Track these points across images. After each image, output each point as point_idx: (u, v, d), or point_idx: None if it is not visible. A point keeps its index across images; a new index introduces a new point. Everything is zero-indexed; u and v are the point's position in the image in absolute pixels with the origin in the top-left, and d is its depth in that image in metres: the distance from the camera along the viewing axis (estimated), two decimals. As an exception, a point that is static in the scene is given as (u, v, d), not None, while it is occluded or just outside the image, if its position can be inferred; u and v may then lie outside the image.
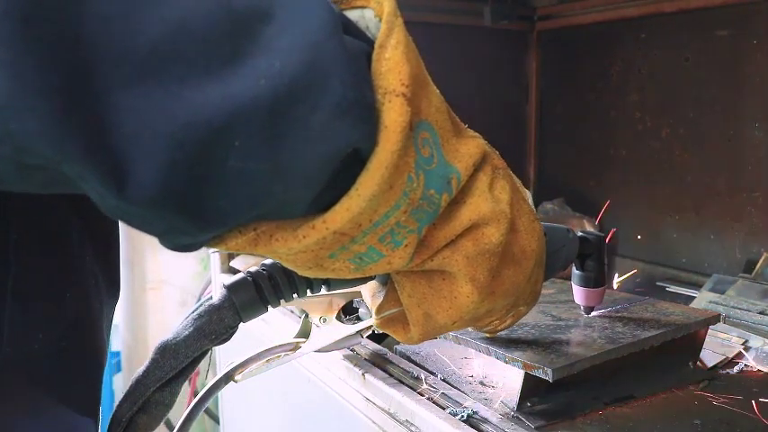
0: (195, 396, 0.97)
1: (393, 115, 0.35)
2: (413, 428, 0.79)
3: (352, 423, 0.90)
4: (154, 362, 0.50)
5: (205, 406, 0.77)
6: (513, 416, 0.75)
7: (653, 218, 1.60)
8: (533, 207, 0.56)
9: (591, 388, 0.80)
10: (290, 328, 1.06)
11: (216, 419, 1.81)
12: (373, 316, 0.53)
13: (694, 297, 1.23)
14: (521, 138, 1.93)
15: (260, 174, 0.31)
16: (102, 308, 0.49)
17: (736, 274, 1.28)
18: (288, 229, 0.35)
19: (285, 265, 0.40)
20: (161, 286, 2.12)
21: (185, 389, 1.93)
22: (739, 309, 1.10)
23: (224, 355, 1.44)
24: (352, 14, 0.39)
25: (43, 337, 0.42)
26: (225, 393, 1.42)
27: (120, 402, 0.50)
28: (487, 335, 0.63)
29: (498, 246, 0.47)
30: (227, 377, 0.76)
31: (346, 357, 0.94)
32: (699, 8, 1.43)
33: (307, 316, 0.82)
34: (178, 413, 1.09)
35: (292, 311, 1.11)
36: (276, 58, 0.30)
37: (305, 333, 0.81)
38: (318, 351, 0.79)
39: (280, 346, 0.78)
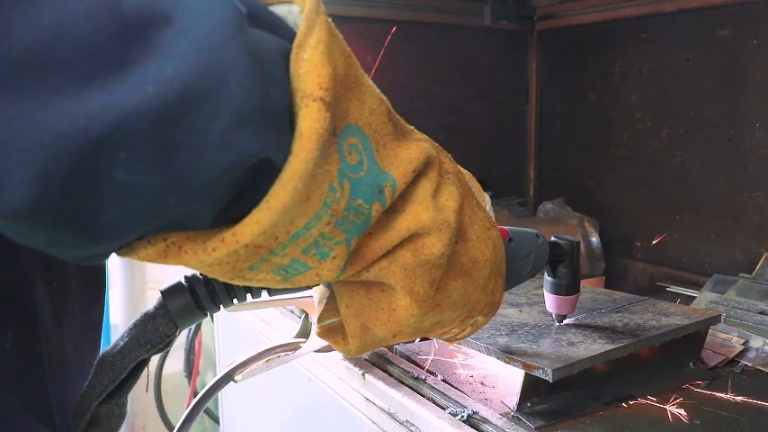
0: (195, 396, 0.97)
1: (309, 121, 0.33)
2: (413, 428, 0.79)
3: (352, 423, 0.90)
4: (94, 375, 0.48)
5: (205, 406, 0.77)
6: (513, 416, 0.75)
7: (653, 218, 1.60)
8: (492, 213, 0.53)
9: (591, 388, 0.80)
10: (290, 328, 1.06)
11: (216, 419, 1.81)
12: (315, 324, 0.51)
13: (695, 297, 1.22)
14: (521, 138, 1.93)
15: (151, 187, 0.29)
16: (71, 309, 0.48)
17: (736, 275, 1.28)
18: (198, 241, 0.33)
19: (206, 274, 0.38)
20: (161, 286, 2.12)
21: (185, 389, 1.94)
22: (739, 309, 1.10)
23: (224, 355, 1.44)
24: (280, 10, 0.36)
25: (13, 336, 0.42)
26: (225, 393, 1.42)
27: (71, 419, 0.48)
28: (447, 343, 0.60)
29: (440, 257, 0.44)
30: (227, 377, 0.76)
31: (346, 357, 0.93)
32: (699, 8, 1.43)
33: (307, 316, 0.82)
34: (178, 413, 1.09)
35: (292, 311, 1.11)
36: (169, 63, 0.28)
37: (305, 333, 0.81)
38: (318, 351, 0.79)
39: (280, 346, 0.78)
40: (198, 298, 0.49)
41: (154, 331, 0.48)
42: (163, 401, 1.88)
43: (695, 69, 1.47)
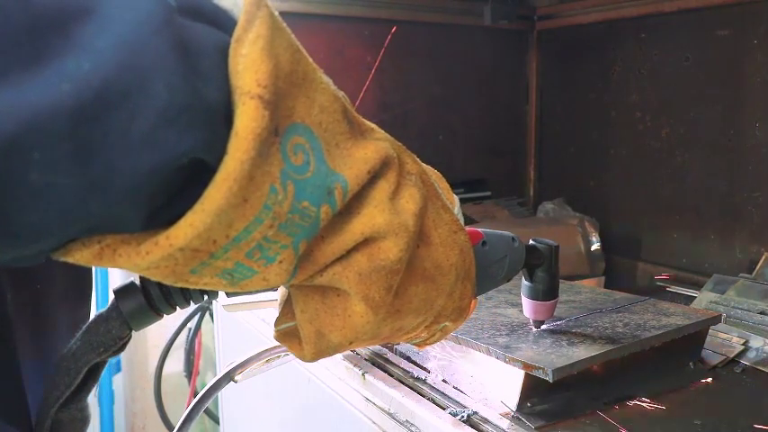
0: (195, 396, 0.97)
1: (245, 120, 0.31)
2: (413, 428, 0.79)
3: (352, 423, 0.90)
4: (51, 380, 0.46)
5: (205, 406, 0.77)
6: (513, 416, 0.75)
7: (653, 218, 1.60)
8: (461, 216, 0.51)
9: (591, 388, 0.80)
10: (290, 328, 1.05)
11: (216, 419, 1.81)
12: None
13: (695, 297, 1.23)
14: (521, 138, 1.93)
15: (71, 188, 0.28)
16: (56, 311, 0.48)
17: (736, 275, 1.28)
18: (132, 244, 0.32)
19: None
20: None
21: (185, 389, 1.94)
22: (740, 309, 1.10)
23: (224, 355, 1.44)
24: (226, 2, 0.35)
25: None
26: (225, 393, 1.42)
27: (34, 426, 0.47)
28: (416, 348, 0.59)
29: (397, 262, 0.42)
30: (227, 377, 0.77)
31: (346, 357, 0.93)
32: (699, 8, 1.43)
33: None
34: (178, 413, 1.09)
35: (292, 311, 1.11)
36: (87, 59, 0.26)
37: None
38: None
39: (280, 346, 0.78)
40: (151, 299, 0.46)
41: (106, 334, 0.46)
42: (163, 401, 1.88)
43: (695, 69, 1.47)
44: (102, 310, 0.46)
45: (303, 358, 0.47)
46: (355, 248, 0.40)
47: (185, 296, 0.47)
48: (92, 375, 0.46)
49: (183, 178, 0.31)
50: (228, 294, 0.51)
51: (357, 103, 1.50)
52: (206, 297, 0.49)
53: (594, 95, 1.73)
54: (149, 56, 0.28)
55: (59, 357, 0.46)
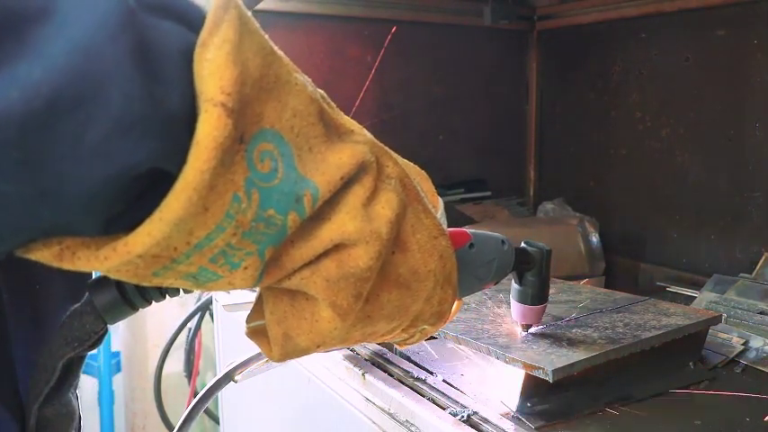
0: (195, 396, 0.97)
1: (206, 128, 0.30)
2: (413, 428, 0.79)
3: (352, 423, 0.90)
4: (31, 378, 0.46)
5: (205, 406, 0.77)
6: (513, 416, 0.75)
7: (653, 218, 1.60)
8: (444, 219, 0.50)
9: (591, 388, 0.80)
10: (290, 328, 1.05)
11: (216, 419, 1.81)
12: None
13: (695, 297, 1.23)
14: (521, 138, 1.93)
15: (20, 197, 0.27)
16: (56, 310, 0.48)
17: (736, 275, 1.28)
18: (91, 248, 0.32)
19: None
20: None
21: (185, 389, 1.94)
22: (740, 309, 1.10)
23: (224, 355, 1.44)
24: None
25: None
26: (225, 393, 1.42)
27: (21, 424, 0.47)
28: (397, 346, 0.58)
29: (367, 270, 0.41)
30: (227, 377, 0.77)
31: (346, 357, 0.93)
32: (699, 8, 1.43)
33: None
34: (178, 413, 1.09)
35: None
36: (38, 65, 0.26)
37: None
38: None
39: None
40: (125, 293, 0.45)
41: (81, 328, 0.45)
42: (163, 401, 1.88)
43: (695, 69, 1.47)
44: (77, 304, 0.46)
45: (272, 358, 0.46)
46: (325, 254, 0.40)
47: (160, 290, 0.46)
48: (70, 370, 0.46)
49: (142, 186, 0.31)
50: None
51: (357, 103, 1.50)
52: (182, 291, 0.47)
53: (594, 95, 1.73)
54: (104, 62, 0.27)
55: (39, 354, 0.45)
